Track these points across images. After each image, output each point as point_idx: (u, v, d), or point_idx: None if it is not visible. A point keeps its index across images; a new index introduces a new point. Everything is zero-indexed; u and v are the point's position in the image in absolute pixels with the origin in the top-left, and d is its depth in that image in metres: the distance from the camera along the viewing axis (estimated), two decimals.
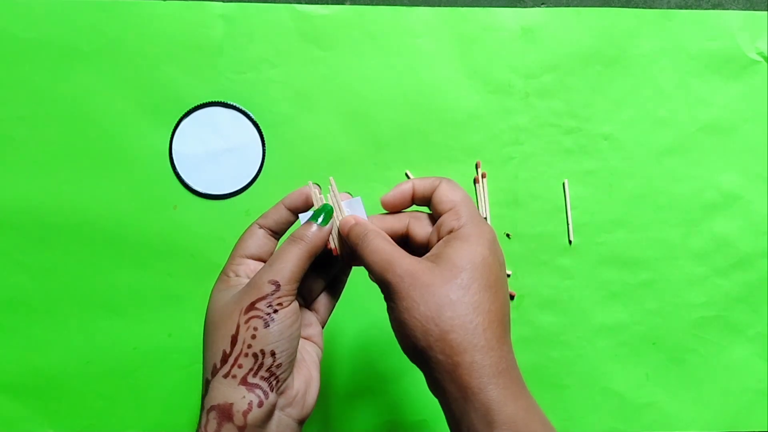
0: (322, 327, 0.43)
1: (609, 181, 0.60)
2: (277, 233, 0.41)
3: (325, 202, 0.40)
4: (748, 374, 0.61)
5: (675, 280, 0.61)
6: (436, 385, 0.34)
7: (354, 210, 0.40)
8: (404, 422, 0.59)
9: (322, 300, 0.43)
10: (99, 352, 0.58)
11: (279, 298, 0.36)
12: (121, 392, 0.58)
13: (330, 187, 0.40)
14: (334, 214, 0.40)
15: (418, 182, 0.39)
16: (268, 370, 0.36)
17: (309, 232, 0.38)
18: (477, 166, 0.60)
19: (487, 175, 0.60)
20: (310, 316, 0.42)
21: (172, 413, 0.59)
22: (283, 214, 0.41)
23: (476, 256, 0.34)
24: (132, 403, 0.58)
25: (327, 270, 0.43)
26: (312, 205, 0.40)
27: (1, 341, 0.58)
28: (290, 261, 0.37)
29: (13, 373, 0.58)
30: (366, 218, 0.40)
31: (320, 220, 0.39)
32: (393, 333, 0.36)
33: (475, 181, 0.60)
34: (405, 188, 0.39)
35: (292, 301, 0.37)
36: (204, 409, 0.35)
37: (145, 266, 0.58)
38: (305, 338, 0.42)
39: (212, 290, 0.39)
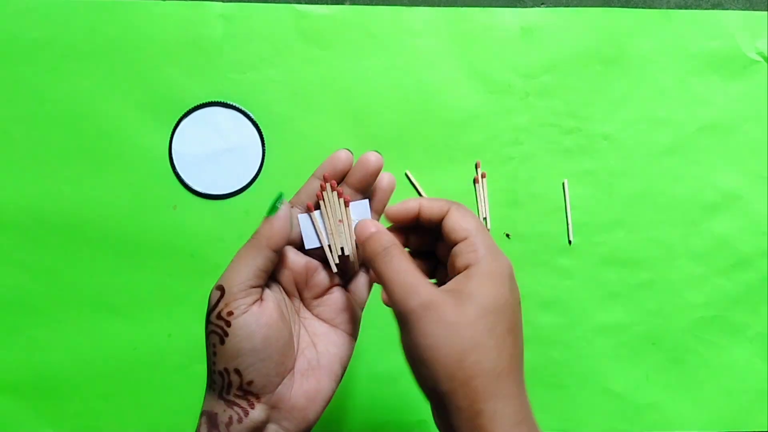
0: (361, 309, 0.40)
1: (609, 181, 0.60)
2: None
3: (325, 208, 0.37)
4: (747, 374, 0.61)
5: (675, 280, 0.61)
6: (448, 428, 0.32)
7: (360, 215, 0.37)
8: (404, 422, 0.59)
9: (358, 278, 0.40)
10: (98, 353, 0.58)
11: (227, 305, 0.33)
12: (120, 392, 0.58)
13: (329, 187, 0.37)
14: (332, 218, 0.37)
15: (426, 204, 0.36)
16: (239, 388, 0.33)
17: (260, 227, 0.35)
18: (477, 166, 0.60)
19: (486, 175, 0.60)
20: (344, 299, 0.39)
21: (171, 413, 0.59)
22: (317, 187, 0.38)
23: (500, 297, 0.32)
24: (132, 403, 0.58)
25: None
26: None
27: (0, 341, 0.58)
28: (239, 261, 0.34)
29: (13, 373, 0.58)
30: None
31: (268, 210, 0.35)
32: (404, 354, 0.33)
33: (475, 181, 0.60)
34: (411, 207, 0.36)
35: (249, 307, 0.33)
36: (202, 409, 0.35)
37: (144, 266, 0.58)
38: (335, 326, 0.39)
39: None
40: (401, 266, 0.33)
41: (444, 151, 0.60)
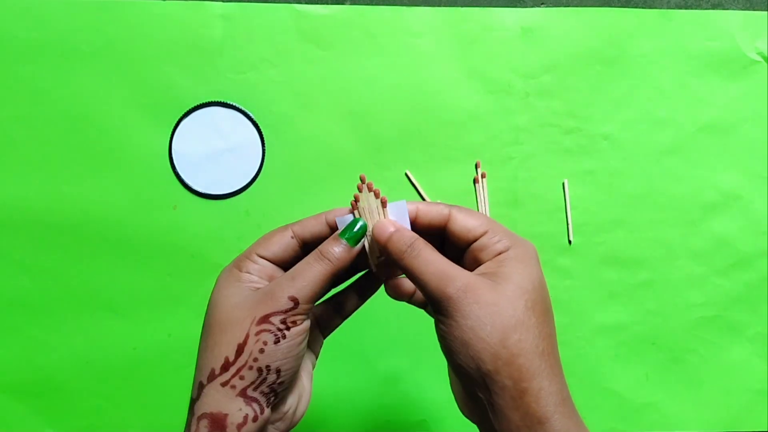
0: (324, 337, 0.41)
1: (609, 181, 0.60)
2: (307, 244, 0.38)
3: (362, 209, 0.36)
4: (747, 374, 0.61)
5: (675, 280, 0.61)
6: (495, 411, 0.31)
7: (398, 216, 0.36)
8: (404, 422, 0.59)
9: (324, 316, 0.41)
10: (98, 352, 0.58)
11: (295, 315, 0.34)
12: (120, 392, 0.58)
13: (363, 189, 0.36)
14: (369, 221, 0.36)
15: (423, 209, 0.36)
16: (269, 386, 0.34)
17: (336, 251, 0.35)
18: (477, 166, 0.60)
19: (486, 175, 0.60)
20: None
21: (171, 413, 0.59)
22: (323, 229, 0.37)
23: (535, 278, 0.33)
24: (131, 403, 0.58)
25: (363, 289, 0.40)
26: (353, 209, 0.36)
27: (0, 341, 0.58)
28: (313, 280, 0.35)
29: (13, 372, 0.58)
30: (408, 223, 0.36)
31: (349, 238, 0.35)
32: (442, 350, 0.33)
33: (475, 181, 0.60)
34: (408, 210, 0.36)
35: (305, 320, 0.35)
36: (194, 414, 0.34)
37: (144, 266, 0.58)
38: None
39: (218, 281, 0.36)
40: (430, 257, 0.33)
41: (444, 151, 0.60)
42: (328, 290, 0.36)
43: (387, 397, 0.59)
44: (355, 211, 0.36)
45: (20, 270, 0.58)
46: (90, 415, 0.58)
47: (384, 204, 0.36)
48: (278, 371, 0.34)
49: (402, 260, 0.34)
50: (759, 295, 0.61)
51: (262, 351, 0.34)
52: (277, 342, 0.34)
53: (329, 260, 0.35)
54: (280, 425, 0.36)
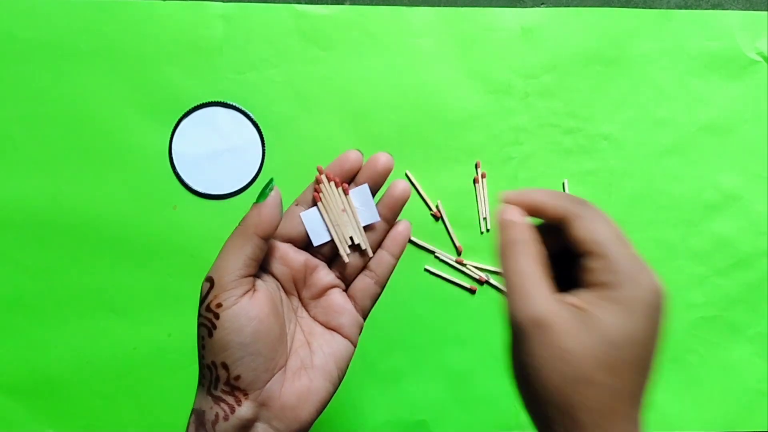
0: (363, 317, 0.38)
1: (609, 181, 0.60)
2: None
3: (326, 201, 0.37)
4: (747, 374, 0.61)
5: (675, 280, 0.61)
6: None
7: (362, 202, 0.37)
8: (404, 422, 0.59)
9: (359, 283, 0.38)
10: (98, 352, 0.58)
11: (216, 297, 0.31)
12: (120, 392, 0.58)
13: (322, 179, 0.37)
14: (345, 206, 0.36)
15: (549, 199, 0.31)
16: (226, 383, 0.32)
17: (248, 214, 0.33)
18: (477, 166, 0.60)
19: (486, 175, 0.60)
20: (342, 302, 0.38)
21: (171, 413, 0.59)
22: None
23: (635, 332, 0.27)
24: (131, 403, 0.58)
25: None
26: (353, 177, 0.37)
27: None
28: (227, 251, 0.32)
29: (12, 372, 0.58)
30: (374, 206, 0.36)
31: (258, 197, 0.34)
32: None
33: (475, 181, 0.60)
34: (533, 198, 0.32)
35: (239, 299, 0.32)
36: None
37: (144, 266, 0.58)
38: (332, 329, 0.37)
39: None
40: (524, 267, 0.29)
41: (444, 151, 0.60)
42: (251, 259, 0.33)
43: (387, 397, 0.59)
44: (319, 203, 0.37)
45: (19, 269, 0.58)
46: (89, 415, 0.58)
47: (346, 192, 0.37)
48: (225, 366, 0.31)
49: (501, 252, 0.31)
50: (759, 295, 0.61)
51: (203, 347, 0.32)
52: (210, 335, 0.31)
53: (240, 225, 0.33)
54: (278, 425, 0.34)
